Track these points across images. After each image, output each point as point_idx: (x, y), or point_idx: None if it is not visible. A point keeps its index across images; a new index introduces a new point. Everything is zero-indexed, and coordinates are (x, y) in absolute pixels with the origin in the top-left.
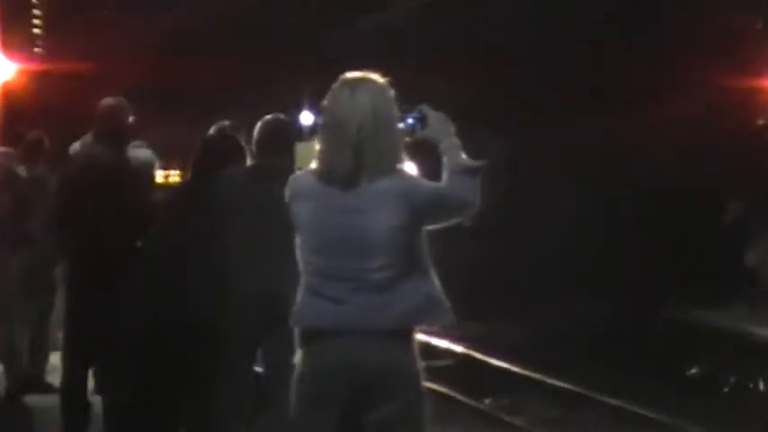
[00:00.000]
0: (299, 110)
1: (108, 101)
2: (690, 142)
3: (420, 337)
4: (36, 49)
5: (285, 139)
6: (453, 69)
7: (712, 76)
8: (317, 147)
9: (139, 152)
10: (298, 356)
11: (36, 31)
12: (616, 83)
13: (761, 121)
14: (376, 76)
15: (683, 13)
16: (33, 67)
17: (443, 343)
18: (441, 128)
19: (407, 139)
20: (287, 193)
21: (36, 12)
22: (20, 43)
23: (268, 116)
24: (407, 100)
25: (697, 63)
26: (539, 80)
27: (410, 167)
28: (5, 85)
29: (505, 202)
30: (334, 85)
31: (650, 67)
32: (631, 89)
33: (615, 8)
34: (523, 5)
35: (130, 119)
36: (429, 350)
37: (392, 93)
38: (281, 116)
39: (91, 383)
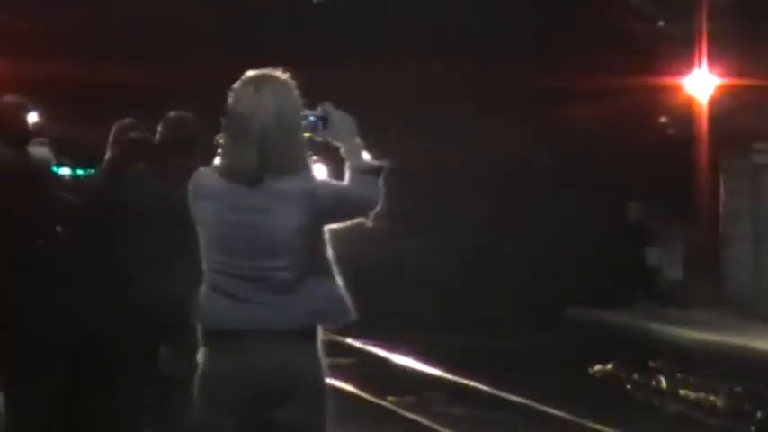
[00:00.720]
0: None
1: (7, 99)
2: (592, 142)
3: (324, 334)
4: None
5: (191, 136)
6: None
7: (614, 77)
8: (221, 144)
9: (36, 150)
10: (200, 355)
11: None
12: (516, 87)
13: (663, 119)
14: (280, 73)
15: (585, 14)
16: None
17: (348, 341)
18: (344, 127)
19: (319, 139)
20: (189, 190)
21: None
22: None
23: (172, 113)
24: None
25: (598, 64)
26: (439, 82)
27: (319, 168)
28: None
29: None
30: (238, 83)
31: (550, 70)
32: (532, 92)
33: (518, 13)
34: (432, 10)
35: (32, 117)
36: (334, 348)
37: (296, 90)
38: (186, 113)
39: None
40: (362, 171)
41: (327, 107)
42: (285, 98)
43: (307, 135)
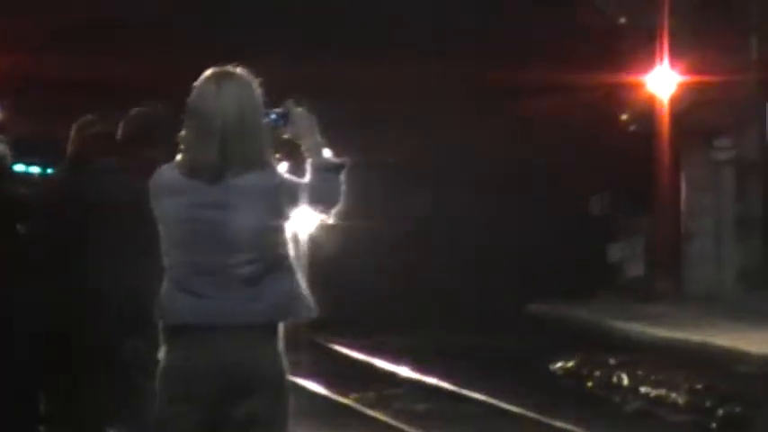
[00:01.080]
0: None
1: None
2: (554, 138)
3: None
4: None
5: (157, 130)
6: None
7: (576, 73)
8: (183, 140)
9: None
10: (162, 352)
11: None
12: (476, 82)
13: (624, 116)
14: (242, 70)
15: (545, 10)
16: None
17: (309, 338)
18: (305, 125)
19: (286, 136)
20: (150, 187)
21: None
22: None
23: (137, 108)
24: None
25: (560, 60)
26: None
27: (281, 165)
28: None
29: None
30: (200, 79)
31: (511, 66)
32: (493, 88)
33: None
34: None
35: None
36: (295, 345)
37: (259, 87)
38: (149, 108)
39: None
40: (323, 168)
41: (289, 104)
42: (246, 95)
43: (270, 132)
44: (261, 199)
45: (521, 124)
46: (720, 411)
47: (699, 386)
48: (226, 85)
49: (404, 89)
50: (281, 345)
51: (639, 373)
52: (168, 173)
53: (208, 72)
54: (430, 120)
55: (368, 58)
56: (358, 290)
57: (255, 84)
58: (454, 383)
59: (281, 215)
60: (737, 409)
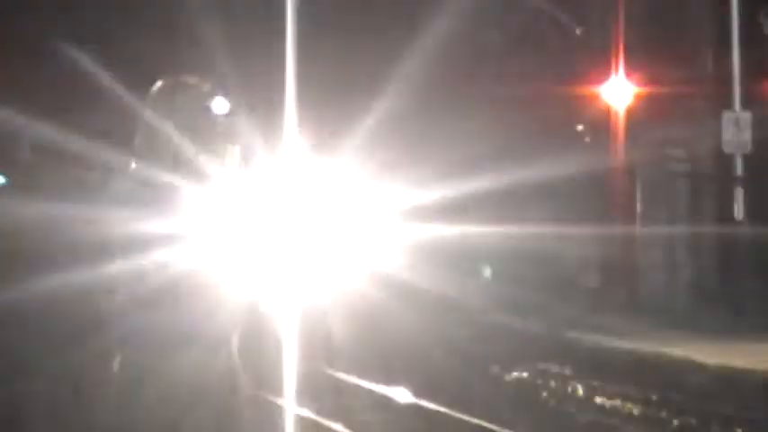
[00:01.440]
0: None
1: None
2: (510, 147)
3: None
4: None
5: None
6: None
7: (533, 84)
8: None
9: None
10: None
11: None
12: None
13: (580, 127)
14: (195, 80)
15: (502, 21)
16: None
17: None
18: (247, 129)
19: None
20: (100, 194)
21: None
22: None
23: None
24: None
25: (516, 71)
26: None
27: (234, 150)
28: None
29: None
30: (153, 89)
31: (465, 75)
32: (444, 98)
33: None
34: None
35: None
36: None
37: (211, 95)
38: None
39: None
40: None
41: (238, 108)
42: (198, 104)
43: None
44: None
45: (479, 134)
46: (675, 422)
47: (654, 397)
48: (177, 94)
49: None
50: (234, 353)
51: (594, 383)
52: (119, 181)
53: (160, 81)
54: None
55: None
56: None
57: (207, 91)
58: (408, 394)
59: None
60: (692, 421)
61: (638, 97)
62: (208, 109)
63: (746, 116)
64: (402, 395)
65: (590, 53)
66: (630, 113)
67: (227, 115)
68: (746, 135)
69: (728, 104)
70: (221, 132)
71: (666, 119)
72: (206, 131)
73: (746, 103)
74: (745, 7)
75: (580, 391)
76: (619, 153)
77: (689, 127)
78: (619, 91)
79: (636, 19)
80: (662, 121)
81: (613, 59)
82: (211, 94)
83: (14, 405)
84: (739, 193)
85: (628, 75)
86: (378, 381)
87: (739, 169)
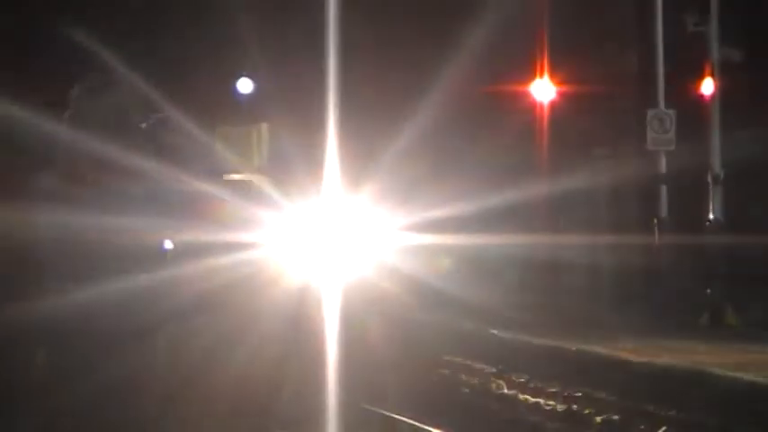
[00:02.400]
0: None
1: None
2: (448, 145)
3: None
4: None
5: None
6: None
7: (472, 83)
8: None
9: None
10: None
11: None
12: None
13: (508, 126)
14: (123, 79)
15: (443, 22)
16: None
17: None
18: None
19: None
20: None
21: None
22: None
23: None
24: None
25: (458, 71)
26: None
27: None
28: None
29: None
30: (76, 89)
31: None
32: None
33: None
34: None
35: None
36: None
37: (137, 97)
38: None
39: None
40: None
41: (163, 113)
42: (124, 103)
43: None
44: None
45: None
46: (598, 419)
47: (577, 394)
48: (104, 95)
49: None
50: None
51: (518, 380)
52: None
53: (86, 81)
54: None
55: None
56: None
57: (134, 92)
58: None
59: None
60: (615, 417)
61: (562, 96)
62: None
63: (671, 114)
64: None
65: (517, 53)
66: (554, 112)
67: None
68: (670, 133)
69: (654, 103)
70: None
71: (591, 117)
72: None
73: (672, 102)
74: (669, 6)
75: (504, 387)
76: (542, 150)
77: (614, 125)
78: (543, 90)
79: (561, 19)
80: (587, 119)
81: (538, 60)
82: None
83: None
84: (662, 192)
85: (552, 74)
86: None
87: (663, 167)
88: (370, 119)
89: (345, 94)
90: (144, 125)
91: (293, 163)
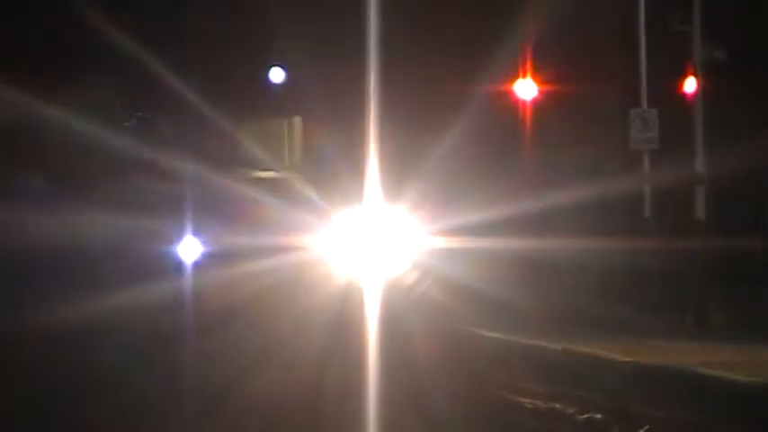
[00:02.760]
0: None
1: None
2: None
3: None
4: None
5: None
6: None
7: (450, 81)
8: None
9: None
10: None
11: None
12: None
13: (499, 126)
14: (97, 79)
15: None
16: None
17: None
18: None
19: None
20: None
21: None
22: None
23: None
24: None
25: (434, 69)
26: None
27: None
28: None
29: None
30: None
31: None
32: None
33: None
34: None
35: None
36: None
37: (114, 96)
38: None
39: None
40: None
41: (141, 115)
42: (100, 105)
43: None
44: None
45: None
46: (581, 418)
47: (559, 392)
48: (80, 96)
49: None
50: None
51: (499, 379)
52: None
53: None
54: None
55: None
56: None
57: (111, 93)
58: None
59: None
60: (598, 416)
61: (545, 95)
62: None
63: (653, 113)
64: None
65: (502, 52)
66: (538, 110)
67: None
68: (653, 132)
69: (637, 103)
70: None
71: (576, 116)
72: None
73: (655, 102)
74: (654, 5)
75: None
76: (526, 148)
77: (598, 124)
78: (527, 89)
79: (548, 18)
80: (571, 118)
81: (522, 58)
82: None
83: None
84: (647, 191)
85: (536, 73)
86: None
87: (646, 166)
88: (414, 113)
89: (388, 86)
90: (129, 123)
91: (330, 160)
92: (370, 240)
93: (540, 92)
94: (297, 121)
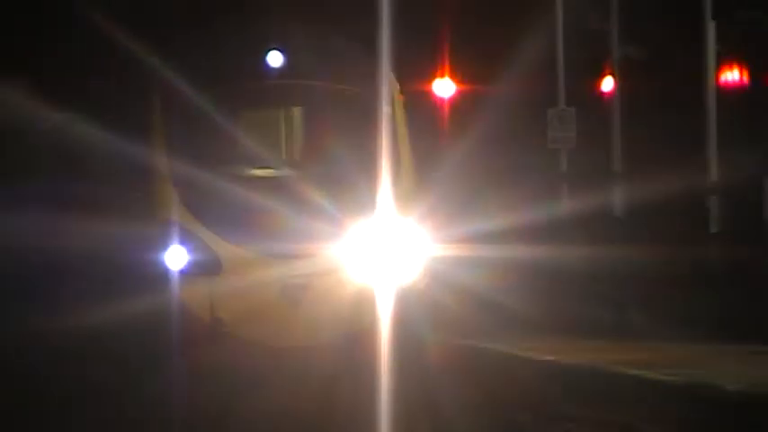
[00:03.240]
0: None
1: None
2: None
3: None
4: None
5: None
6: None
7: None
8: None
9: None
10: None
11: None
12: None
13: (434, 125)
14: (21, 80)
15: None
16: None
17: None
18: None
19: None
20: None
21: None
22: None
23: None
24: None
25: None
26: None
27: None
28: None
29: None
30: None
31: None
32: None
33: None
34: None
35: None
36: None
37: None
38: None
39: None
40: None
41: (59, 116)
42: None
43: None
44: None
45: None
46: (502, 417)
47: (479, 392)
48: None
49: None
50: None
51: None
52: None
53: None
54: None
55: None
56: None
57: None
58: None
59: None
60: (520, 418)
61: (464, 94)
62: None
63: (571, 112)
64: None
65: (421, 53)
66: (456, 110)
67: None
68: (571, 131)
69: (554, 102)
70: None
71: (495, 115)
72: None
73: (572, 101)
74: (572, 4)
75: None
76: (444, 150)
77: (520, 123)
78: (444, 88)
79: (464, 18)
80: (490, 117)
81: (439, 58)
82: None
83: None
84: (564, 190)
85: (454, 72)
86: None
87: (564, 165)
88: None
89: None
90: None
91: (336, 156)
92: (385, 248)
93: (458, 91)
94: (296, 111)
